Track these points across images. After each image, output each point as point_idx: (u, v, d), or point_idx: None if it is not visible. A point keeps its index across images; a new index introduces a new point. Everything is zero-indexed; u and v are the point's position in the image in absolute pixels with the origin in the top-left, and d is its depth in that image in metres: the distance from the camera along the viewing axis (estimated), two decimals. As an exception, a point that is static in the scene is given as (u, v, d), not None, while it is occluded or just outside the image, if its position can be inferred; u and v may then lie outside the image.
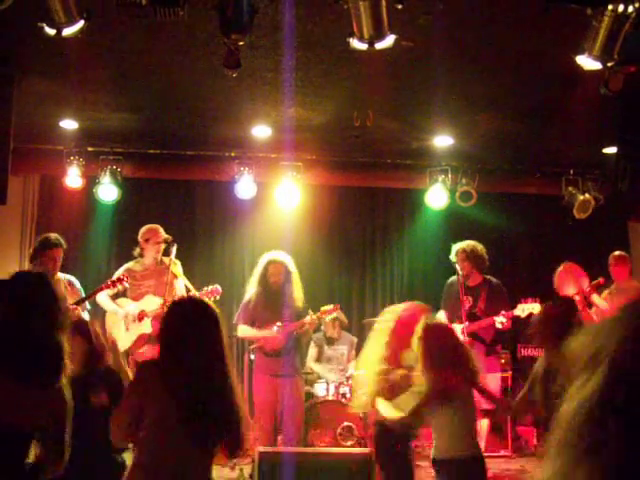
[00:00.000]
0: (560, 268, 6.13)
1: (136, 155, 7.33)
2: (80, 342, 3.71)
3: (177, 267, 5.95)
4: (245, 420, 2.80)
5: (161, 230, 6.00)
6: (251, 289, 5.75)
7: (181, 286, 5.92)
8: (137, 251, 6.02)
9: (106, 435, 2.86)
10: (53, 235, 5.73)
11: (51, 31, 3.84)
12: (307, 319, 5.59)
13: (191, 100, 5.99)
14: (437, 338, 3.61)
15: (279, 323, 5.55)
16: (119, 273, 6.00)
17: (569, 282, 6.02)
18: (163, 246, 5.94)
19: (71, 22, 3.80)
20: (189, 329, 2.77)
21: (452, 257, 6.11)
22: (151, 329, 5.74)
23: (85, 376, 3.63)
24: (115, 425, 2.79)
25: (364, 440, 5.99)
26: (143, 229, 6.04)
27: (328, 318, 6.42)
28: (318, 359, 7.14)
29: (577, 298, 5.85)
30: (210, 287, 5.86)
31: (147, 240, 5.94)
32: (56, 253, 5.61)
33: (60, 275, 5.73)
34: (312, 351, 7.19)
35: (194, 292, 5.90)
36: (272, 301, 5.60)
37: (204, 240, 7.93)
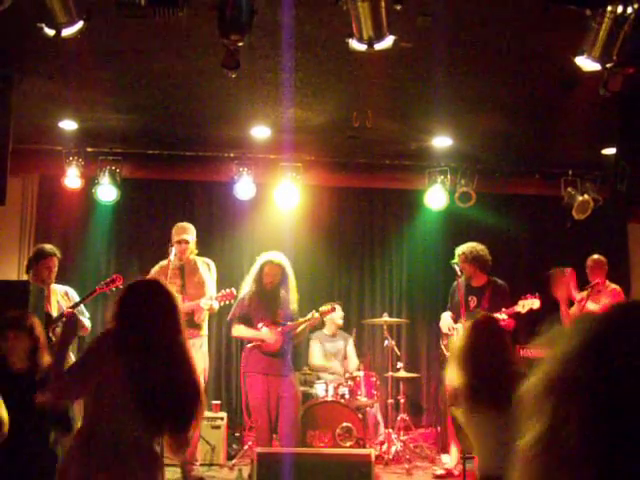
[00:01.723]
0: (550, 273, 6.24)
1: (135, 156, 7.33)
2: (22, 337, 3.74)
3: (208, 268, 5.98)
4: (201, 396, 2.84)
5: (187, 229, 5.98)
6: (246, 287, 5.75)
7: (210, 288, 5.90)
8: (171, 249, 6.04)
9: (45, 428, 3.14)
10: (48, 245, 5.77)
11: (50, 32, 3.84)
12: (309, 316, 5.64)
13: (190, 101, 5.99)
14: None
15: (260, 324, 5.60)
16: (153, 271, 6.02)
17: (555, 287, 6.10)
18: (187, 246, 5.93)
19: (70, 23, 3.80)
20: (147, 306, 2.86)
21: (454, 261, 6.17)
22: None
23: (28, 372, 3.70)
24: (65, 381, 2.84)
25: (363, 441, 5.99)
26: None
27: (327, 318, 6.51)
28: (320, 355, 7.18)
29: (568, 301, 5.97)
30: (226, 290, 5.83)
31: (172, 238, 5.99)
32: (51, 262, 5.62)
33: (56, 286, 5.73)
34: (315, 348, 7.21)
35: (212, 294, 5.89)
36: (266, 301, 5.62)
37: (203, 241, 7.88)
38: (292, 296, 5.66)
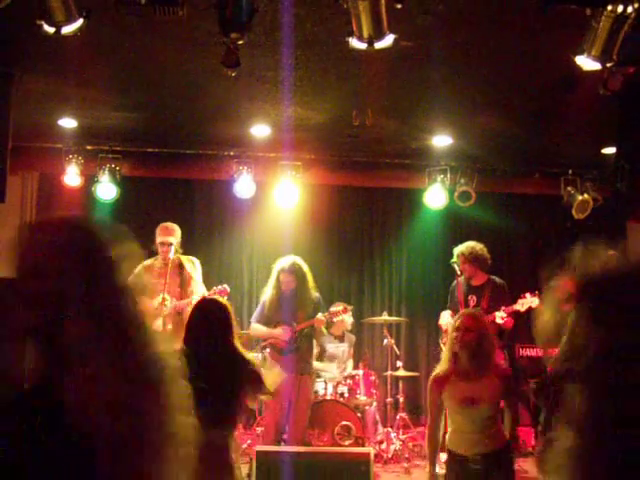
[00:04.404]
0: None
1: (135, 154, 7.32)
2: None
3: (194, 267, 5.96)
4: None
5: (170, 230, 5.94)
6: (267, 292, 5.86)
7: (198, 286, 5.91)
8: (155, 247, 6.01)
9: None
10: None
11: (50, 29, 3.83)
12: (319, 317, 5.71)
13: (190, 99, 5.98)
14: None
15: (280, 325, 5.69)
16: (137, 270, 5.96)
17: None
18: (170, 247, 5.91)
19: (70, 20, 3.80)
20: (197, 322, 3.40)
21: (454, 260, 6.19)
22: (162, 328, 5.74)
23: None
24: None
25: (362, 439, 5.99)
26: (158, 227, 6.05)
27: (336, 319, 6.54)
28: (319, 358, 7.18)
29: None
30: (218, 287, 5.89)
31: (155, 239, 5.96)
32: None
33: None
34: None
35: (204, 292, 5.90)
36: (286, 304, 5.77)
37: (203, 239, 7.93)
38: (309, 297, 5.76)
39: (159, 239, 5.88)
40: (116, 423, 1.08)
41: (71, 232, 1.26)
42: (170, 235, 5.90)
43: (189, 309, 5.83)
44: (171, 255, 5.77)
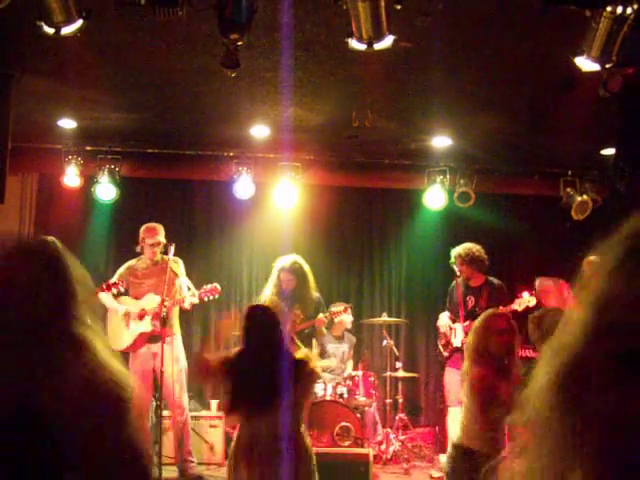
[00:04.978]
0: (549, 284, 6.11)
1: (134, 154, 7.32)
2: None
3: (179, 266, 5.97)
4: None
5: (158, 230, 5.99)
6: (267, 290, 5.85)
7: (184, 285, 5.94)
8: (138, 248, 6.03)
9: None
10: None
11: (49, 30, 3.84)
12: (320, 317, 5.72)
13: (190, 100, 5.99)
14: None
15: None
16: (121, 271, 6.01)
17: (546, 300, 6.04)
18: (160, 247, 5.94)
19: (70, 21, 3.80)
20: (246, 329, 3.70)
21: (452, 261, 6.20)
22: (151, 327, 5.75)
23: None
24: None
25: (361, 440, 5.99)
26: (142, 228, 6.05)
27: (337, 319, 6.55)
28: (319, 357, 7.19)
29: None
30: (209, 286, 5.90)
31: (143, 239, 5.97)
32: None
33: None
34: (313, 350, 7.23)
35: (194, 291, 5.93)
36: (285, 303, 5.75)
37: (202, 240, 7.94)
38: (309, 296, 5.77)
39: (150, 240, 5.91)
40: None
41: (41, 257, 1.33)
42: (160, 235, 5.96)
43: (175, 308, 5.88)
44: (171, 254, 5.79)
